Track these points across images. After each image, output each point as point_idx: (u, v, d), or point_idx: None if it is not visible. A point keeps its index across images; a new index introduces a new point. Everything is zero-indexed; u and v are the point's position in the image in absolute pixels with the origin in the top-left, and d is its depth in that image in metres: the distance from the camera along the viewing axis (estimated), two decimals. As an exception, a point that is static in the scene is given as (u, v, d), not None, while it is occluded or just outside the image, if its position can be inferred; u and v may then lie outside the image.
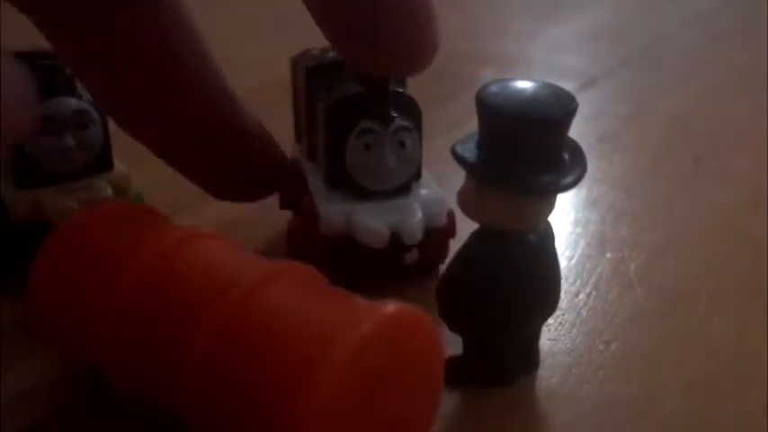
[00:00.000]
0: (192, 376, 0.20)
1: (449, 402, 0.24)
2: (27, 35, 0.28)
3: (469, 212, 0.23)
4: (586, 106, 0.51)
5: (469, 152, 0.22)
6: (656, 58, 0.62)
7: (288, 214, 0.33)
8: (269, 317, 0.19)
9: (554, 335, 0.27)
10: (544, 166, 0.21)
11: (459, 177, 0.23)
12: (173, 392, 0.20)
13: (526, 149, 0.21)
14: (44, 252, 0.24)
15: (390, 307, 0.19)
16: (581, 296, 0.30)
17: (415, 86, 0.30)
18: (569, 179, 0.22)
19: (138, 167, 0.32)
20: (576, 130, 0.23)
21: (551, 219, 0.24)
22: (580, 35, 0.67)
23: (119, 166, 0.32)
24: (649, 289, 0.30)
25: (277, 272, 0.20)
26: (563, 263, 0.31)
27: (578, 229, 0.35)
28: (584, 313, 0.29)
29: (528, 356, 0.25)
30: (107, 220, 0.24)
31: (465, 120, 0.25)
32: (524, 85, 0.22)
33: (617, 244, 0.33)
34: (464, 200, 0.23)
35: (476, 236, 0.23)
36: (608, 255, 0.33)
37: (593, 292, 0.30)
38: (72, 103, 0.30)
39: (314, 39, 0.27)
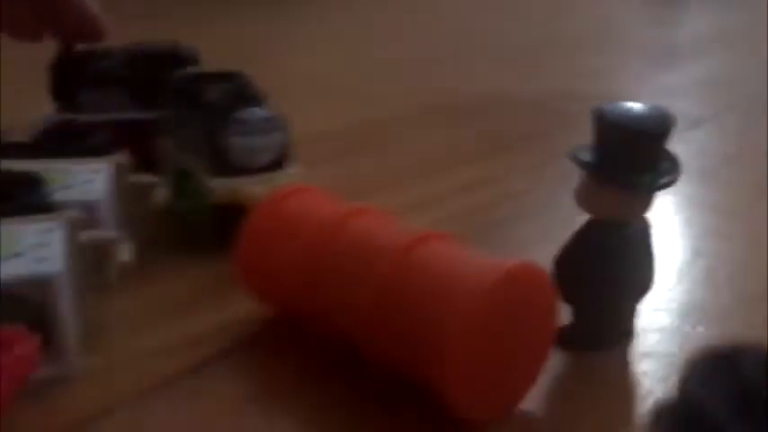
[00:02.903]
0: (366, 308, 0.26)
1: (557, 358, 0.29)
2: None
3: (583, 205, 0.29)
4: (691, 145, 0.56)
5: (585, 156, 0.28)
6: (760, 104, 0.66)
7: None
8: (423, 266, 0.26)
9: (648, 317, 0.32)
10: (645, 169, 0.27)
11: (568, 195, 0.29)
12: (349, 323, 0.27)
13: (631, 155, 0.27)
14: (249, 221, 0.31)
15: (517, 261, 0.25)
16: (674, 291, 0.35)
17: (528, 120, 0.36)
18: (665, 180, 0.27)
19: (309, 167, 0.39)
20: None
21: (653, 221, 0.29)
22: (690, 81, 0.72)
23: (293, 165, 0.39)
24: (736, 294, 0.35)
25: (427, 235, 0.27)
26: (661, 266, 0.36)
27: (676, 242, 0.40)
28: (676, 304, 0.34)
29: (625, 329, 0.31)
30: (294, 199, 0.31)
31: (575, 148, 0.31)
32: (633, 104, 0.28)
33: (710, 256, 0.38)
34: (579, 195, 0.29)
35: (589, 224, 0.29)
36: (700, 263, 0.38)
37: (685, 289, 0.35)
38: (261, 112, 0.38)
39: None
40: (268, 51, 0.86)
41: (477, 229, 0.42)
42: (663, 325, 0.32)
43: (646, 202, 0.28)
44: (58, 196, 0.32)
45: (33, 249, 0.27)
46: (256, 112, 0.37)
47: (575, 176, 0.29)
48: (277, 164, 0.38)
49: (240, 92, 0.38)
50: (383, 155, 0.55)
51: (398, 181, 0.49)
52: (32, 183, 0.30)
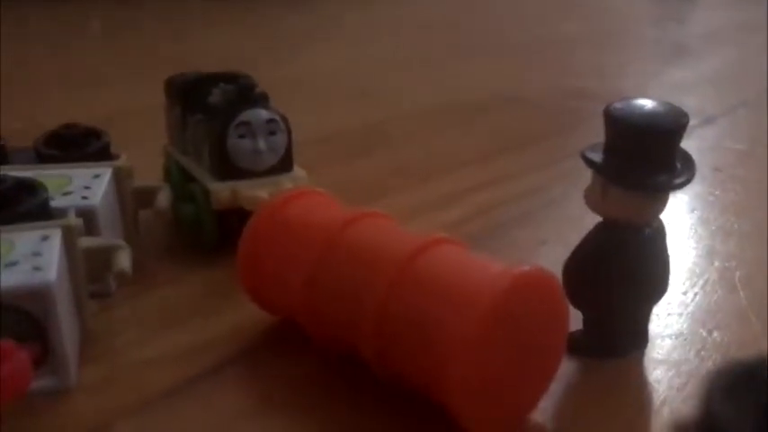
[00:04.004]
0: (369, 319, 0.25)
1: (568, 366, 0.29)
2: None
3: (594, 207, 0.28)
4: (704, 141, 0.55)
5: (596, 156, 0.27)
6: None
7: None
8: (430, 274, 0.25)
9: (663, 322, 0.31)
10: (659, 169, 0.26)
11: (577, 194, 0.28)
12: (355, 331, 0.26)
13: (644, 154, 0.26)
14: (250, 226, 0.30)
15: (525, 267, 0.24)
16: (689, 294, 0.34)
17: (538, 119, 0.35)
18: (679, 180, 0.26)
19: (311, 171, 0.38)
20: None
21: (666, 222, 0.28)
22: (702, 78, 0.71)
23: (297, 169, 0.38)
24: (752, 294, 0.34)
25: (431, 241, 0.26)
26: (675, 268, 0.36)
27: (690, 242, 0.39)
28: (691, 308, 0.33)
29: (638, 335, 0.30)
30: (297, 203, 0.31)
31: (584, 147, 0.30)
32: (645, 102, 0.27)
33: (724, 256, 0.37)
34: (590, 196, 0.28)
35: (599, 227, 0.28)
36: (715, 264, 0.37)
37: (700, 292, 0.34)
38: (264, 113, 0.37)
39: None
40: (272, 53, 0.85)
41: (485, 229, 0.41)
42: (678, 330, 0.31)
43: (659, 204, 0.27)
44: (58, 202, 0.31)
45: (29, 258, 0.26)
46: (260, 114, 0.37)
47: (585, 175, 0.28)
48: (281, 167, 0.38)
49: (243, 93, 0.37)
50: (390, 155, 0.54)
51: (406, 182, 0.48)
52: (31, 189, 0.30)
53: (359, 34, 0.97)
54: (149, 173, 0.41)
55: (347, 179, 0.34)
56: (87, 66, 0.81)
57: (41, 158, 0.36)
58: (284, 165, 0.38)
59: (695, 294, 0.34)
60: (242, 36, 0.95)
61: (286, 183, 0.37)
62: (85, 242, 0.29)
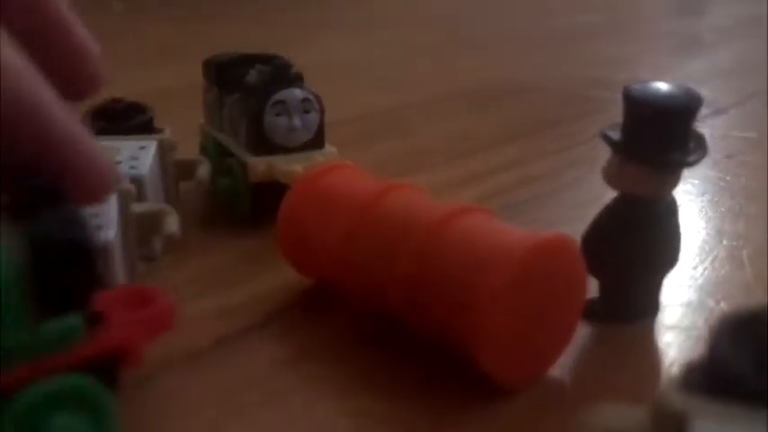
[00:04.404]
0: (401, 278, 0.28)
1: (584, 331, 0.31)
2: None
3: (611, 182, 0.30)
4: (715, 129, 0.57)
5: (615, 134, 0.29)
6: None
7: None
8: (461, 234, 0.27)
9: (674, 292, 0.34)
10: (673, 147, 0.28)
11: (592, 178, 0.30)
12: (388, 287, 0.28)
13: (659, 133, 0.28)
14: (290, 194, 0.32)
15: (551, 233, 0.26)
16: (698, 269, 0.36)
17: (553, 106, 0.37)
18: (692, 158, 0.29)
19: (341, 148, 0.40)
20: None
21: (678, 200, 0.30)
22: (714, 69, 0.73)
23: (328, 146, 0.41)
24: (759, 271, 0.36)
25: (464, 208, 0.28)
26: (685, 245, 0.38)
27: (701, 223, 0.41)
28: (700, 281, 0.35)
29: (651, 302, 0.32)
30: (333, 174, 0.33)
31: (599, 134, 0.32)
32: (661, 84, 0.29)
33: (733, 235, 0.39)
34: (608, 172, 0.30)
35: (616, 201, 0.30)
36: (724, 242, 0.39)
37: (709, 267, 0.36)
38: (299, 93, 0.39)
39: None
40: (306, 36, 0.87)
41: (502, 210, 0.43)
42: (687, 300, 0.33)
43: (673, 179, 0.29)
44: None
45: (89, 219, 0.28)
46: (295, 93, 0.39)
47: (600, 160, 0.31)
48: (313, 143, 0.40)
49: (279, 74, 0.39)
50: (408, 139, 0.56)
51: (423, 165, 0.50)
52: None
53: (373, 24, 0.99)
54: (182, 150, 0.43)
55: (366, 161, 0.36)
56: (111, 47, 0.83)
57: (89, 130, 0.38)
58: (317, 141, 0.40)
59: (704, 269, 0.36)
60: (249, 27, 0.97)
61: (318, 158, 0.39)
62: (136, 207, 0.32)
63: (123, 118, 0.39)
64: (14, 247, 0.20)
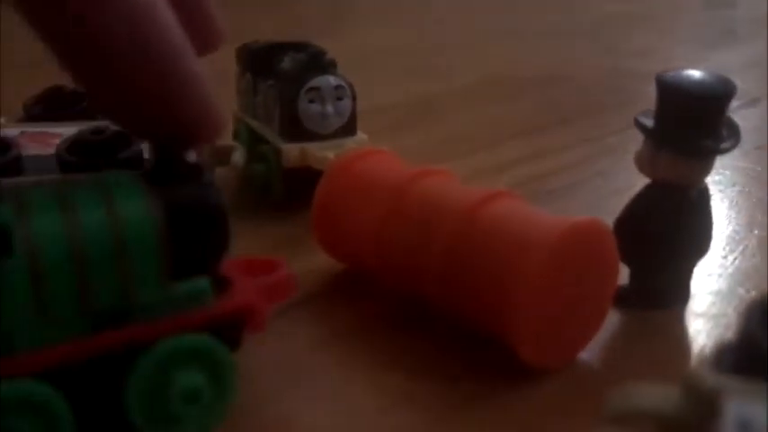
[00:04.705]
0: (436, 261, 0.28)
1: (615, 316, 0.31)
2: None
3: (644, 169, 0.30)
4: (747, 121, 0.56)
5: (648, 121, 0.29)
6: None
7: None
8: (497, 218, 0.27)
9: (704, 281, 0.34)
10: (706, 134, 0.29)
11: (623, 168, 0.31)
12: (422, 271, 0.29)
13: (692, 120, 0.28)
14: (325, 178, 0.33)
15: (586, 217, 0.26)
16: (729, 258, 0.36)
17: (584, 96, 0.37)
18: (725, 145, 0.29)
19: (373, 136, 0.41)
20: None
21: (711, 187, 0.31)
22: (747, 60, 0.72)
23: (360, 133, 0.41)
24: (790, 262, 0.36)
25: (499, 192, 0.29)
26: (716, 235, 0.38)
27: (731, 213, 0.41)
28: (731, 270, 0.35)
29: (681, 290, 0.32)
30: (367, 160, 0.33)
31: (630, 124, 0.32)
32: (694, 72, 0.29)
33: (764, 226, 0.39)
34: (640, 159, 0.30)
35: (648, 188, 0.30)
36: (755, 232, 0.39)
37: (740, 257, 0.36)
38: (333, 80, 0.40)
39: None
40: (338, 24, 0.88)
41: (532, 198, 0.43)
42: (717, 288, 0.33)
43: (706, 167, 0.30)
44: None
45: None
46: (329, 80, 0.39)
47: (629, 151, 0.31)
48: (346, 130, 0.40)
49: (313, 61, 0.40)
50: (438, 128, 0.57)
51: (454, 153, 0.51)
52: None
53: (405, 12, 0.99)
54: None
55: (398, 150, 0.36)
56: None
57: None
58: (349, 128, 0.40)
59: (735, 258, 0.36)
60: (280, 14, 0.97)
61: (350, 145, 0.40)
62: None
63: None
64: (153, 208, 0.22)
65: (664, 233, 0.30)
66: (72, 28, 0.21)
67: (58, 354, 0.21)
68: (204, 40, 0.24)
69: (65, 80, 0.40)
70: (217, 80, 0.48)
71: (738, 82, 0.29)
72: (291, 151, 0.39)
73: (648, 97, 0.30)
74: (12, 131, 0.36)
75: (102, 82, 0.22)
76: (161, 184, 0.23)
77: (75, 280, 0.21)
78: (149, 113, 0.22)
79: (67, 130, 0.36)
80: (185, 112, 0.22)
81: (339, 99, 0.40)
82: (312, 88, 0.39)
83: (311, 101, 0.39)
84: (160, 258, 0.22)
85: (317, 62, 0.40)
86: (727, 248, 0.37)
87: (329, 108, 0.39)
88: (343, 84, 0.40)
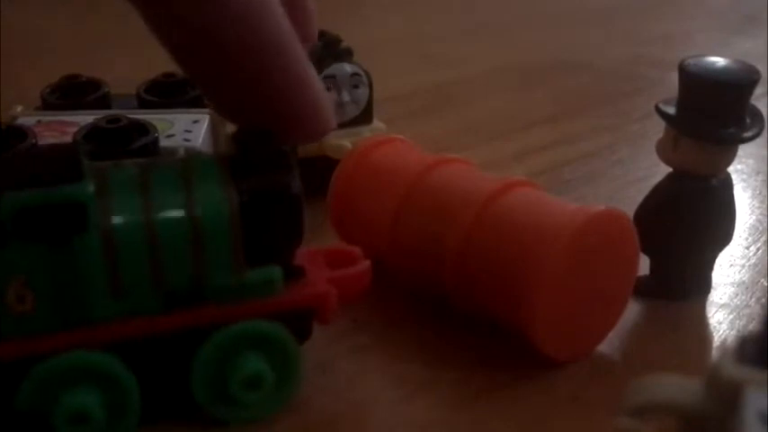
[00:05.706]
0: (453, 252, 0.28)
1: (635, 307, 0.30)
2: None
3: (665, 158, 0.30)
4: (769, 108, 0.56)
5: (670, 109, 0.29)
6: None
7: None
8: (513, 208, 0.27)
9: (726, 271, 0.33)
10: (729, 122, 0.28)
11: (643, 156, 0.30)
12: (438, 264, 0.28)
13: (715, 107, 0.28)
14: (341, 168, 0.32)
15: (605, 207, 0.26)
16: (751, 248, 0.35)
17: (601, 84, 0.36)
18: (748, 134, 0.28)
19: (390, 124, 0.41)
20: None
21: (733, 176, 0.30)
22: (768, 47, 0.71)
23: (376, 121, 0.41)
24: (814, 253, 0.35)
25: (515, 181, 0.28)
26: (738, 224, 0.37)
27: (754, 202, 0.40)
28: (753, 260, 0.34)
29: (702, 280, 0.31)
30: (383, 148, 0.33)
31: (650, 112, 0.32)
32: (717, 59, 0.28)
33: (788, 216, 0.39)
34: (662, 147, 0.30)
35: (670, 176, 0.30)
36: (778, 223, 0.38)
37: (763, 247, 0.36)
38: (349, 68, 0.39)
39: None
40: (354, 12, 0.87)
41: (552, 186, 0.42)
42: (739, 279, 0.33)
43: (728, 155, 0.29)
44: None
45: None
46: (345, 68, 0.39)
47: (649, 139, 0.30)
48: (362, 119, 0.40)
49: (329, 48, 0.39)
50: (456, 116, 0.56)
51: (472, 140, 0.50)
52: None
53: (415, 2, 0.99)
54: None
55: (414, 138, 0.36)
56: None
57: (143, 104, 0.39)
58: (365, 117, 0.40)
59: (758, 249, 0.35)
60: None
61: (367, 134, 0.39)
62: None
63: (177, 93, 0.39)
64: (229, 193, 0.23)
65: (685, 223, 0.30)
66: (203, 29, 0.22)
67: (130, 328, 0.22)
68: (303, 34, 0.25)
69: (80, 69, 0.40)
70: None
71: (760, 69, 0.29)
72: (307, 140, 0.39)
73: (668, 84, 0.29)
74: (28, 120, 0.36)
75: (221, 78, 0.23)
76: (243, 169, 0.23)
77: (149, 261, 0.22)
78: (265, 108, 0.23)
79: (84, 118, 0.36)
80: (299, 110, 0.23)
81: (355, 87, 0.39)
82: (328, 76, 0.39)
83: (327, 89, 0.39)
84: (234, 244, 0.23)
85: (333, 50, 0.39)
86: (750, 239, 0.36)
87: (345, 96, 0.39)
88: (359, 72, 0.39)
